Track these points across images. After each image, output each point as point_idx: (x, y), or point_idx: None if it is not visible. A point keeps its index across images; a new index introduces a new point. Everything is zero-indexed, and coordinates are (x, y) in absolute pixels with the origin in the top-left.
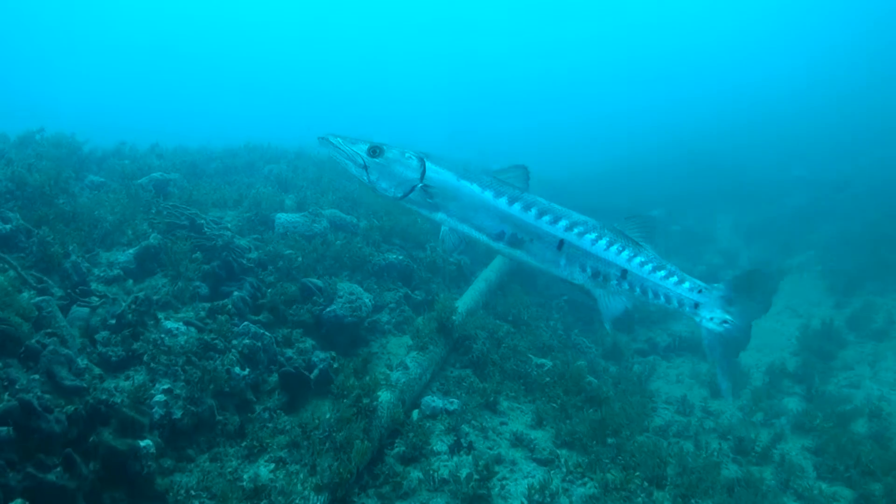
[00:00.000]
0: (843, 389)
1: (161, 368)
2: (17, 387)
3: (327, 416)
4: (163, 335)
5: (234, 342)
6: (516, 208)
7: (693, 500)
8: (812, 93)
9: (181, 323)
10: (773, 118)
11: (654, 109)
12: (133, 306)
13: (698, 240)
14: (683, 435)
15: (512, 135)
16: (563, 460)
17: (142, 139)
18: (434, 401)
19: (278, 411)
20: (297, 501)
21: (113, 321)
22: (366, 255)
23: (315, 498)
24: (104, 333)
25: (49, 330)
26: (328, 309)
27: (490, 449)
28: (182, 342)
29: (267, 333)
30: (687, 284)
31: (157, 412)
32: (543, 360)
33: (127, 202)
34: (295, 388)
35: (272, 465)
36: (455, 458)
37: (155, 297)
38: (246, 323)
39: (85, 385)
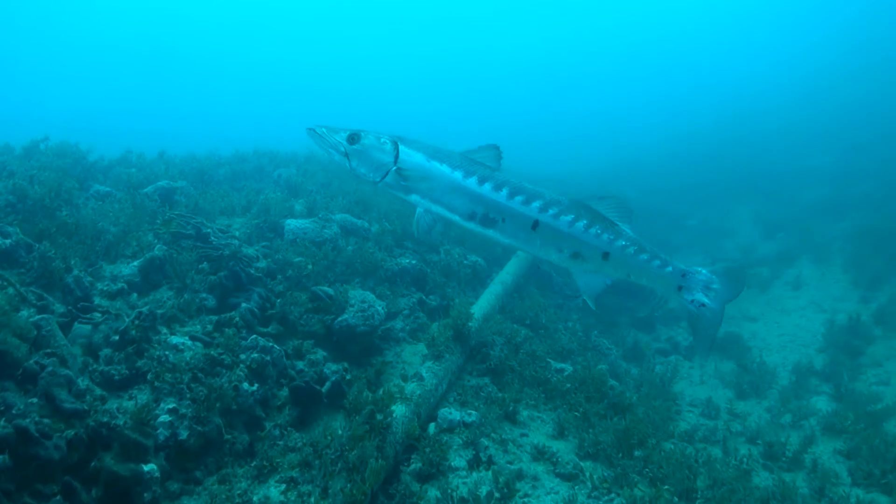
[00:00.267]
0: (873, 387)
1: (166, 387)
2: (13, 412)
3: (339, 432)
4: (167, 352)
5: (242, 356)
6: (487, 188)
7: None
8: (829, 80)
9: (187, 338)
10: (788, 107)
11: (666, 101)
12: (137, 322)
13: (716, 233)
14: (710, 440)
15: (519, 128)
16: (587, 474)
17: (149, 146)
18: (451, 413)
19: (289, 428)
20: None
21: (116, 338)
22: (378, 260)
23: None
24: (107, 351)
25: (48, 350)
26: (340, 318)
27: (510, 463)
28: (188, 358)
29: (276, 346)
30: (670, 268)
31: (162, 433)
32: (563, 365)
33: (132, 212)
34: (306, 402)
35: (283, 486)
36: (474, 475)
37: (160, 312)
38: (254, 336)
39: (86, 407)
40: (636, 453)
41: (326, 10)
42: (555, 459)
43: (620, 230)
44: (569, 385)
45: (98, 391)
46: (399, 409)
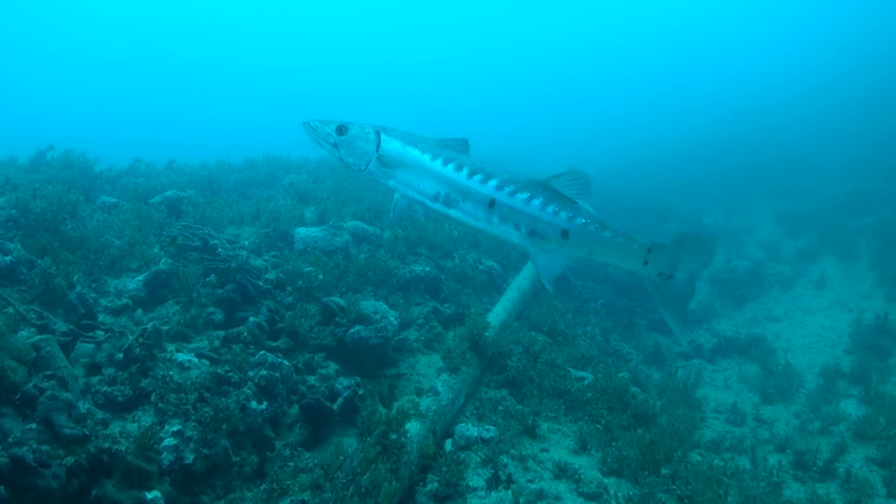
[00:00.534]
0: None
1: (170, 408)
2: (10, 440)
3: (351, 451)
4: (171, 372)
5: (251, 373)
6: (450, 169)
7: None
8: (845, 71)
9: (193, 355)
10: (802, 100)
11: (678, 98)
12: (141, 339)
13: (736, 232)
14: (738, 449)
15: (527, 130)
16: (612, 492)
17: (160, 155)
18: (468, 429)
19: (299, 448)
20: None
21: (120, 356)
22: (390, 268)
23: None
24: (110, 371)
25: (48, 372)
26: (351, 330)
27: (531, 482)
28: (194, 377)
29: (285, 362)
30: (635, 245)
31: (167, 458)
32: (583, 373)
33: (138, 224)
34: (317, 419)
35: None
36: (493, 495)
37: (165, 328)
38: (262, 352)
39: (86, 432)
40: (663, 471)
41: (340, 15)
42: (577, 477)
43: (580, 207)
44: (590, 395)
45: (100, 415)
46: (414, 427)
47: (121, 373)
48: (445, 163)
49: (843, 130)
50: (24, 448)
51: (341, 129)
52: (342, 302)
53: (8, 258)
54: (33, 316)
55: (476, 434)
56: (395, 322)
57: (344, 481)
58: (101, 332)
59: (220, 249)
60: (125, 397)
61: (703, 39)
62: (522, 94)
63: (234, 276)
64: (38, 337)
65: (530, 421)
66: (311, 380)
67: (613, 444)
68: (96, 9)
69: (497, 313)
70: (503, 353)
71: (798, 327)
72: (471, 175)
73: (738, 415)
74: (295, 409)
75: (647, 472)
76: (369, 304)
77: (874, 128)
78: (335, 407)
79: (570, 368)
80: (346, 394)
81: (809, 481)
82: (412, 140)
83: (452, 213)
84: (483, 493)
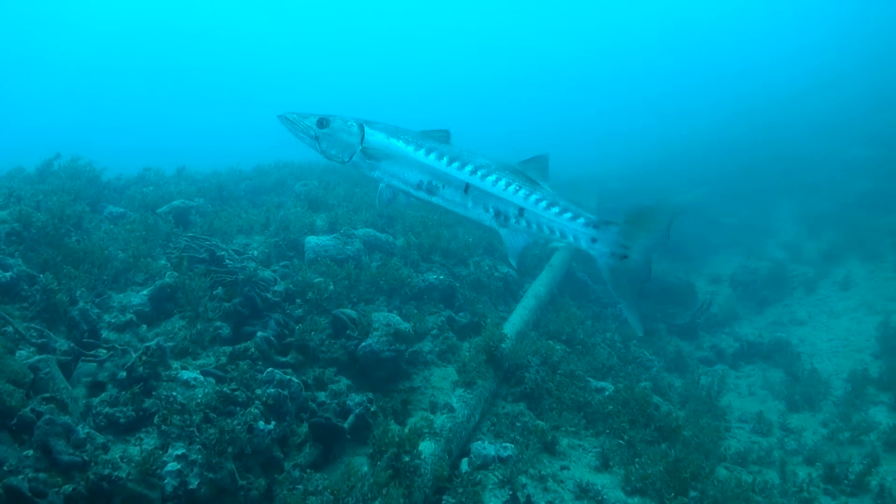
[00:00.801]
0: None
1: (174, 431)
2: (5, 468)
3: (363, 472)
4: (174, 393)
5: (258, 391)
6: (431, 158)
7: None
8: (864, 67)
9: (198, 372)
10: (820, 94)
11: (694, 96)
12: (144, 357)
13: (757, 232)
14: (765, 462)
15: (543, 130)
16: None
17: (170, 162)
18: (485, 448)
19: (308, 470)
20: None
21: (123, 374)
22: (403, 276)
23: None
24: (112, 391)
25: (46, 394)
26: (363, 344)
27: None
28: (199, 396)
29: (294, 379)
30: (582, 220)
31: (170, 483)
32: (604, 384)
33: (145, 234)
34: (328, 438)
35: None
36: None
37: (170, 344)
38: (270, 369)
39: (86, 458)
40: (691, 493)
41: (343, 18)
42: (599, 498)
43: (538, 187)
44: (611, 407)
45: (100, 439)
46: (428, 448)
47: (123, 393)
48: (428, 153)
49: (854, 127)
50: (20, 477)
51: (322, 122)
52: (353, 314)
53: (8, 274)
54: (34, 334)
55: (493, 453)
56: (409, 334)
57: None
58: (104, 351)
59: (227, 261)
60: (127, 419)
61: (702, 39)
62: (520, 96)
63: (241, 289)
64: (36, 357)
65: (550, 437)
66: (322, 396)
67: (637, 460)
68: (106, 15)
69: (514, 322)
70: (520, 365)
71: (823, 331)
72: (450, 163)
73: (764, 424)
74: (305, 428)
75: (672, 493)
76: (381, 317)
77: (889, 125)
78: (346, 425)
79: (589, 379)
80: (357, 411)
81: (841, 496)
82: (396, 132)
83: (434, 199)
84: None
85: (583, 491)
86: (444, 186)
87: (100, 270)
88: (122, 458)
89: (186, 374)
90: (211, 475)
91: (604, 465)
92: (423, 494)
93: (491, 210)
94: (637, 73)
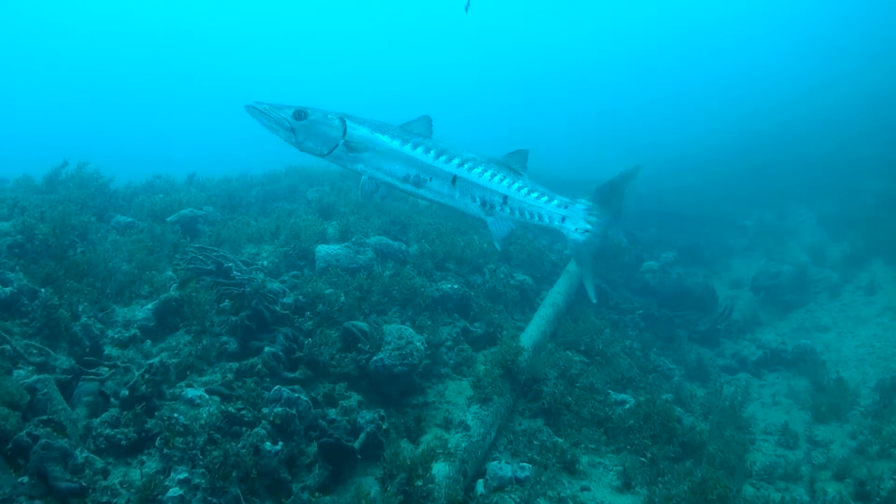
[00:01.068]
0: None
1: (176, 454)
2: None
3: (373, 495)
4: (177, 413)
5: (265, 410)
6: (418, 152)
7: None
8: (878, 66)
9: (203, 390)
10: (833, 91)
11: (707, 96)
12: (147, 376)
13: (777, 235)
14: (793, 477)
15: (549, 131)
16: None
17: (181, 170)
18: (501, 468)
19: (317, 493)
20: None
21: (126, 392)
22: (417, 286)
23: None
24: (113, 412)
25: (44, 417)
26: (375, 358)
27: None
28: (203, 416)
29: (302, 397)
30: (555, 202)
31: None
32: (624, 396)
33: (151, 245)
34: (338, 459)
35: None
36: None
37: (175, 361)
38: (277, 387)
39: (84, 484)
40: None
41: (345, 21)
42: None
43: (520, 176)
44: (632, 421)
45: (99, 463)
46: (441, 470)
47: (125, 413)
48: (414, 147)
49: (864, 126)
50: None
51: (300, 114)
52: (365, 326)
53: (8, 289)
54: (33, 352)
55: (510, 473)
56: (422, 347)
57: None
58: (106, 369)
59: (234, 272)
60: (129, 440)
61: (704, 39)
62: (519, 98)
63: (249, 302)
64: (34, 377)
65: (569, 455)
66: (332, 413)
67: (660, 479)
68: (113, 20)
69: (530, 334)
70: (538, 379)
71: (848, 337)
72: (437, 156)
73: (789, 436)
74: (314, 448)
75: None
76: (394, 329)
77: None
78: (357, 445)
79: (609, 391)
80: (368, 429)
81: None
82: (380, 127)
83: (422, 191)
84: None
85: None
86: (431, 179)
87: (103, 283)
88: (122, 483)
89: (191, 392)
90: (215, 500)
91: (626, 485)
92: None
93: (478, 200)
94: (637, 73)
